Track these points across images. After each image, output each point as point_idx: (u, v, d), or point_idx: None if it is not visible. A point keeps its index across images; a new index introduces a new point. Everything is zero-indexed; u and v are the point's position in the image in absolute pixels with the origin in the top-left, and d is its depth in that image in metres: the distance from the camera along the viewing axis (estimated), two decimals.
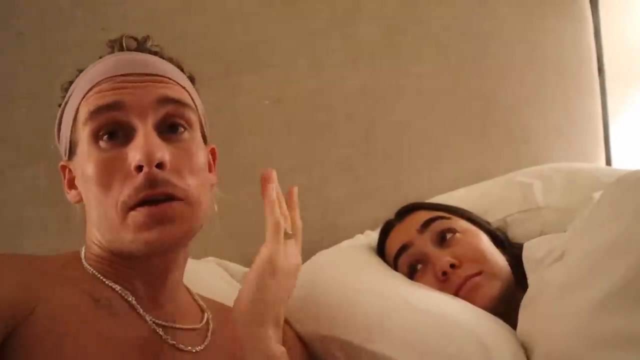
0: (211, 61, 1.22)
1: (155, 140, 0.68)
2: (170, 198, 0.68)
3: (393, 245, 1.06)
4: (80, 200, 0.75)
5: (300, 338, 0.94)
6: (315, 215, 1.30)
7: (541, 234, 1.16)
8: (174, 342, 0.72)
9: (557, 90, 1.62)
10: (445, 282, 0.96)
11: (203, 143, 0.78)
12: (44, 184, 1.07)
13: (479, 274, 0.95)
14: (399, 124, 1.43)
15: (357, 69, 1.39)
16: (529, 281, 0.90)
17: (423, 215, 1.06)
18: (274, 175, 0.79)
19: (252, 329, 0.71)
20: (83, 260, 0.74)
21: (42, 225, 1.06)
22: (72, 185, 0.77)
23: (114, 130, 0.69)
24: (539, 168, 1.35)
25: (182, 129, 0.73)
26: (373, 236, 1.20)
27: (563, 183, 1.24)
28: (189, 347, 0.73)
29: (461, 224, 1.05)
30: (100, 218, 0.70)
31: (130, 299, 0.72)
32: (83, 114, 0.71)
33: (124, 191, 0.67)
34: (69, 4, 1.10)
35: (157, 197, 0.67)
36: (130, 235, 0.68)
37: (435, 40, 1.48)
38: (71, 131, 0.74)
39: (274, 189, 0.78)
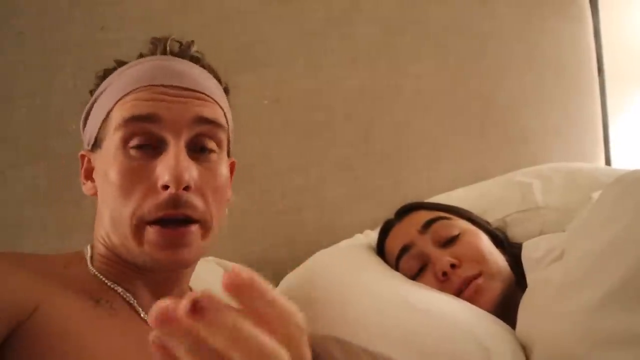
0: (210, 60, 1.21)
1: (185, 161, 0.68)
2: (188, 220, 0.69)
3: (394, 245, 1.06)
4: (95, 194, 0.75)
5: None
6: (313, 216, 1.30)
7: (540, 233, 1.16)
8: None
9: (556, 90, 1.63)
10: (445, 282, 0.96)
11: (227, 160, 0.78)
12: (43, 184, 1.07)
13: (479, 275, 0.95)
14: (398, 124, 1.43)
15: (355, 69, 1.39)
16: (528, 281, 0.90)
17: (423, 216, 1.06)
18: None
19: None
20: (87, 260, 0.74)
21: (41, 225, 1.06)
22: (89, 176, 0.77)
23: (145, 141, 0.69)
24: (538, 168, 1.35)
25: (212, 151, 0.73)
26: (372, 236, 1.20)
27: (562, 183, 1.25)
28: None
29: (461, 223, 1.05)
30: (114, 222, 0.70)
31: (131, 301, 0.72)
32: (117, 118, 0.70)
33: (145, 205, 0.67)
34: (68, 3, 1.10)
35: (175, 218, 0.67)
36: (140, 249, 0.68)
37: (434, 40, 1.48)
38: (100, 127, 0.73)
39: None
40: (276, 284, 1.07)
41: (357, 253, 1.10)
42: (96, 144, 0.74)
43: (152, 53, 0.77)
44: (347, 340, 0.88)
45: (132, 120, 0.69)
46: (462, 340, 0.82)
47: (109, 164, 0.70)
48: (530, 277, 0.90)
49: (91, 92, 0.78)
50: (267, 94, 1.28)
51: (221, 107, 0.76)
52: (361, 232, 1.27)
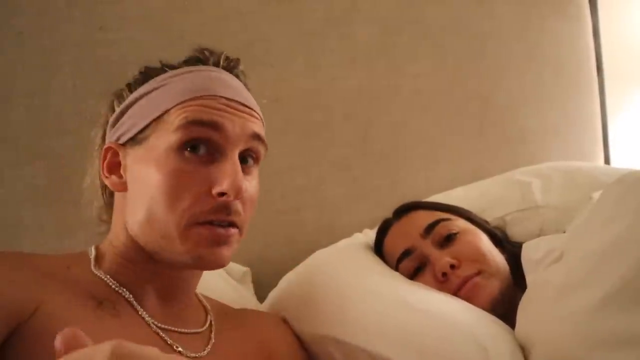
0: None
1: (241, 172, 0.71)
2: (232, 224, 0.72)
3: (394, 246, 1.05)
4: (122, 189, 0.75)
5: (298, 338, 0.94)
6: (312, 215, 1.30)
7: (540, 232, 1.16)
8: (177, 346, 0.72)
9: (555, 90, 1.63)
10: (445, 282, 0.95)
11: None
12: (42, 184, 1.07)
13: (478, 273, 0.95)
14: (397, 123, 1.43)
15: (354, 68, 1.39)
16: (528, 282, 0.90)
17: (424, 217, 1.05)
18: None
19: None
20: (92, 260, 0.74)
21: (40, 225, 1.06)
22: (113, 170, 0.77)
23: (204, 146, 0.71)
24: (537, 167, 1.35)
25: (253, 163, 0.77)
26: (371, 235, 1.20)
27: (562, 182, 1.24)
28: (193, 353, 0.73)
29: (460, 223, 1.05)
30: (151, 221, 0.70)
31: (134, 303, 0.72)
32: (178, 119, 0.71)
33: (196, 207, 0.69)
34: (66, 3, 1.10)
35: (222, 223, 0.71)
36: (185, 247, 0.69)
37: (433, 40, 1.48)
38: (148, 124, 0.73)
39: None
40: (275, 283, 1.07)
41: (356, 252, 1.10)
42: (135, 140, 0.74)
43: (202, 63, 0.79)
44: (345, 340, 0.88)
45: (196, 125, 0.71)
46: (460, 341, 0.82)
47: (156, 163, 0.71)
48: (530, 278, 0.90)
49: (129, 87, 0.79)
50: (266, 93, 1.26)
51: (263, 124, 0.80)
52: (360, 231, 1.26)
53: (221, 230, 0.71)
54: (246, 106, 0.76)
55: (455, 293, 0.94)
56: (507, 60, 1.57)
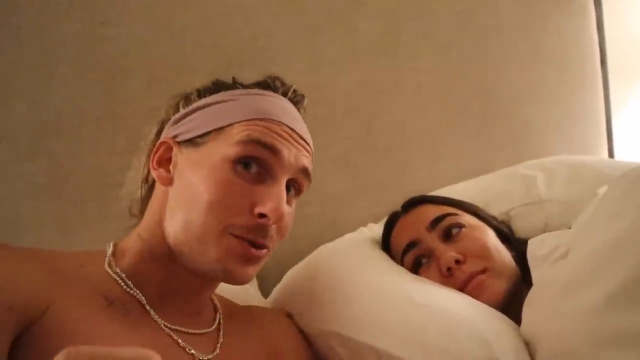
0: (211, 55, 1.21)
1: (285, 199, 0.73)
2: (264, 247, 0.74)
3: (400, 239, 1.05)
4: (167, 183, 0.77)
5: (303, 333, 0.94)
6: (315, 211, 1.30)
7: (545, 226, 1.16)
8: (190, 348, 0.72)
9: (559, 84, 1.62)
10: (450, 277, 0.95)
11: None
12: (42, 181, 1.07)
13: (483, 271, 0.94)
14: (399, 118, 1.42)
15: (356, 63, 1.38)
16: (534, 279, 0.89)
17: (431, 211, 1.05)
18: None
19: None
20: (106, 260, 0.74)
21: (40, 222, 1.06)
22: (162, 164, 0.79)
23: (257, 166, 0.74)
24: (541, 161, 1.34)
25: (295, 194, 0.80)
26: (376, 229, 1.20)
27: (566, 175, 1.23)
28: (204, 354, 0.74)
29: (468, 219, 1.04)
30: (189, 222, 0.72)
31: (145, 305, 0.72)
32: (240, 134, 0.74)
33: (236, 219, 0.71)
34: None
35: (258, 243, 0.73)
36: (217, 255, 0.71)
37: (436, 35, 1.48)
38: (210, 131, 0.76)
39: None
40: (279, 279, 1.07)
41: (361, 247, 1.10)
42: (192, 142, 0.77)
43: (272, 89, 0.82)
44: (349, 336, 0.87)
45: (256, 144, 0.73)
46: (465, 336, 0.81)
47: (208, 169, 0.73)
48: (535, 275, 0.89)
49: (198, 93, 0.82)
50: None
51: (312, 161, 0.83)
52: (364, 226, 1.26)
53: (254, 251, 0.72)
54: (304, 140, 0.79)
55: (461, 289, 0.94)
56: (511, 55, 1.56)
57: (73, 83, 1.10)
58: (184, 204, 0.73)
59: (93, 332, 0.63)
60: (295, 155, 0.76)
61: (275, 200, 0.72)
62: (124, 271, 0.73)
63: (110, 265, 0.74)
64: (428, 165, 1.44)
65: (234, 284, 0.75)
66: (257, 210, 0.71)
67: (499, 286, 0.94)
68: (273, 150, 0.74)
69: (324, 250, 1.09)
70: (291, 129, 0.77)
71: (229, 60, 1.24)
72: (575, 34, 1.65)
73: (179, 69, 1.18)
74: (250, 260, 0.72)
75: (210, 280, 0.78)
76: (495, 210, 1.19)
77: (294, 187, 0.79)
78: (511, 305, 0.91)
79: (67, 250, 0.75)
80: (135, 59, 1.15)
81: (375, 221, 1.24)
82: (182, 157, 0.77)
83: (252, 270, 0.74)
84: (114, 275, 0.73)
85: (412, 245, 1.01)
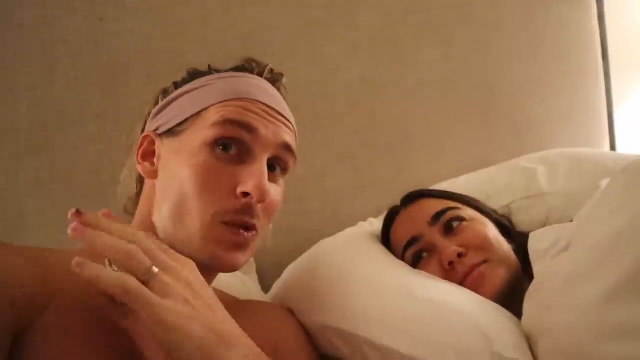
0: (211, 50, 1.21)
1: (266, 176, 0.72)
2: (252, 228, 0.73)
3: (401, 234, 1.05)
4: (152, 176, 0.77)
5: (304, 328, 0.94)
6: (316, 205, 1.30)
7: (546, 219, 1.15)
8: None
9: (560, 77, 1.61)
10: (451, 271, 0.95)
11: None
12: (44, 176, 1.07)
13: (484, 262, 0.94)
14: (401, 112, 1.42)
15: (357, 57, 1.38)
16: (535, 271, 0.89)
17: (432, 205, 1.05)
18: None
19: None
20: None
21: (42, 217, 1.06)
22: (147, 157, 0.79)
23: (234, 146, 0.73)
24: (543, 153, 1.34)
25: (281, 172, 0.80)
26: (376, 224, 1.20)
27: (567, 168, 1.23)
28: None
29: (468, 212, 1.04)
30: (176, 212, 0.72)
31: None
32: (215, 116, 0.74)
33: (222, 204, 0.71)
34: None
35: (246, 224, 0.72)
36: (205, 244, 0.70)
37: (437, 28, 1.47)
38: (187, 119, 0.76)
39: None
40: (279, 273, 1.07)
41: (360, 242, 1.10)
42: (171, 132, 0.77)
43: (248, 71, 0.82)
44: (348, 330, 0.87)
45: (231, 123, 0.73)
46: (464, 330, 0.81)
47: (187, 156, 0.73)
48: (536, 268, 0.89)
49: (175, 84, 0.83)
50: None
51: (296, 137, 0.83)
52: (364, 220, 1.26)
53: (243, 234, 0.71)
54: (282, 115, 0.79)
55: (461, 282, 0.94)
56: (512, 48, 1.56)
57: (74, 79, 1.10)
58: (169, 194, 0.73)
59: (94, 325, 0.63)
60: (273, 132, 0.76)
61: (256, 177, 0.71)
62: None
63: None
64: (429, 160, 1.43)
65: (224, 271, 0.74)
66: (239, 189, 0.71)
67: (499, 275, 0.94)
68: (249, 128, 0.73)
69: (324, 245, 1.09)
70: (267, 105, 0.77)
71: (229, 55, 1.24)
72: (576, 26, 1.64)
73: (179, 65, 1.18)
74: (238, 245, 0.72)
75: (203, 269, 0.77)
76: (497, 203, 1.19)
77: (279, 165, 0.78)
78: (512, 299, 0.91)
79: (66, 247, 0.76)
80: (136, 54, 1.15)
81: (376, 216, 1.25)
82: (164, 148, 0.77)
83: (242, 255, 0.73)
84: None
85: (414, 240, 1.01)
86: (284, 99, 0.84)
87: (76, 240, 0.59)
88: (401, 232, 1.05)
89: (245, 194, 0.71)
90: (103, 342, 0.63)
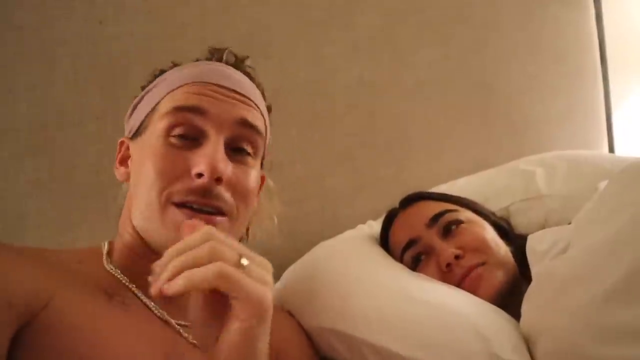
0: None
1: (222, 154, 0.71)
2: (217, 212, 0.71)
3: (399, 236, 1.05)
4: (126, 179, 0.78)
5: (304, 330, 0.94)
6: (315, 206, 1.30)
7: (544, 222, 1.16)
8: (190, 338, 0.72)
9: (559, 78, 1.62)
10: (449, 273, 0.95)
11: (259, 169, 0.82)
12: (44, 177, 1.07)
13: (482, 264, 0.95)
14: (400, 113, 1.42)
15: (357, 58, 1.38)
16: (533, 274, 0.89)
17: (431, 208, 1.05)
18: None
19: None
20: (104, 256, 0.75)
21: (42, 218, 1.06)
22: (123, 162, 0.81)
23: (187, 132, 0.73)
24: (541, 156, 1.34)
25: (248, 154, 0.77)
26: (375, 227, 1.20)
27: (566, 171, 1.23)
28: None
29: (467, 214, 1.04)
30: (146, 203, 0.72)
31: (143, 298, 0.72)
32: (165, 107, 0.74)
33: (175, 185, 0.70)
34: None
35: (204, 208, 0.70)
36: (166, 229, 0.70)
37: (436, 29, 1.48)
38: (146, 115, 0.77)
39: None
40: (278, 275, 1.07)
41: (359, 245, 1.10)
42: (137, 133, 0.78)
43: (206, 59, 0.83)
44: (348, 333, 0.88)
45: (178, 110, 0.73)
46: (463, 332, 0.82)
47: (147, 150, 0.73)
48: (535, 270, 0.90)
49: (142, 88, 0.83)
50: (267, 84, 1.27)
51: (263, 117, 0.81)
52: (363, 222, 1.26)
53: (205, 217, 0.69)
54: (239, 94, 0.77)
55: (459, 284, 0.94)
56: (511, 49, 1.56)
57: (74, 80, 1.10)
58: (138, 193, 0.73)
59: (94, 325, 0.63)
60: (227, 110, 0.74)
61: (207, 155, 0.70)
62: (118, 267, 0.74)
63: (106, 262, 0.74)
64: (428, 161, 1.44)
65: None
66: (194, 171, 0.70)
67: (497, 277, 0.94)
68: (199, 111, 0.73)
69: (323, 248, 1.10)
70: (220, 86, 0.75)
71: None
72: (575, 27, 1.65)
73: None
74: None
75: None
76: (495, 205, 1.19)
77: (247, 146, 0.77)
78: (510, 301, 0.91)
79: (66, 247, 0.76)
80: (135, 55, 1.15)
81: (376, 217, 1.25)
82: (134, 150, 0.78)
83: None
84: (111, 270, 0.73)
85: (412, 242, 1.02)
86: (253, 81, 0.83)
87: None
88: (399, 234, 1.06)
89: (200, 175, 0.70)
90: (103, 338, 0.63)
